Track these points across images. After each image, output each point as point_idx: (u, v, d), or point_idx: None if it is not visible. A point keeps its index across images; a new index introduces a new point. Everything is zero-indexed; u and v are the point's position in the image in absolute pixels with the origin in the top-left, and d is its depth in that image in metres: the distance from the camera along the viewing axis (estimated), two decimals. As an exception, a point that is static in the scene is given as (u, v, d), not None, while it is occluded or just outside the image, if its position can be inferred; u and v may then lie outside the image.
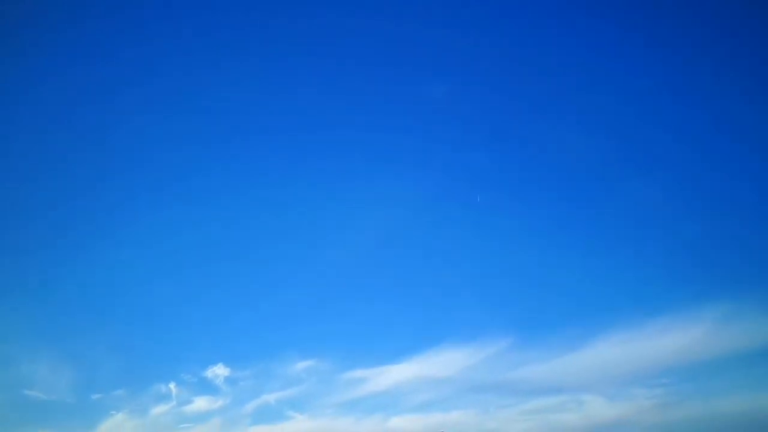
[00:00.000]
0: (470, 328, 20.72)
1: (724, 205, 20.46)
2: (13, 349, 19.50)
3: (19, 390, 19.16)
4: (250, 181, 22.89)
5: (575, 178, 21.69)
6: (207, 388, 20.42)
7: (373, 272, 21.91)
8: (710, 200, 20.72)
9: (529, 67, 22.24)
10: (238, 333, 21.25)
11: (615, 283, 20.70)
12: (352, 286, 21.72)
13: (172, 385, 20.27)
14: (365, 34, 22.77)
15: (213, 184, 22.57)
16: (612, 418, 19.47)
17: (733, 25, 21.17)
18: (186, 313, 21.08)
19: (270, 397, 20.49)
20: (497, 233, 21.81)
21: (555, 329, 20.43)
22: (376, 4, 23.20)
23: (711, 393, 18.76)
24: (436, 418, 20.11)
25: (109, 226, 21.35)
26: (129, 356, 20.20)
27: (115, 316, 20.54)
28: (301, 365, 20.91)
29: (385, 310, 21.42)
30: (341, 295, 21.57)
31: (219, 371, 20.68)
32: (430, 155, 22.62)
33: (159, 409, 19.96)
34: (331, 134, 22.89)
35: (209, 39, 23.34)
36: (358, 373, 20.74)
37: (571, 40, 22.41)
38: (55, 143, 22.92)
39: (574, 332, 20.23)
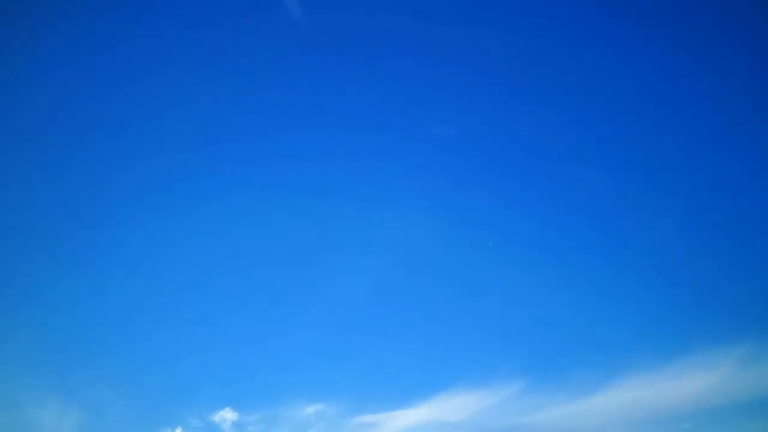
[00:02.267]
0: (482, 372, 20.28)
1: (743, 245, 20.06)
2: (18, 393, 19.31)
3: (24, 435, 19.09)
4: (256, 220, 22.82)
5: (588, 218, 21.43)
6: (214, 433, 20.23)
7: (382, 315, 21.67)
8: (729, 239, 20.31)
9: (541, 109, 22.26)
10: (245, 376, 20.93)
11: (631, 325, 20.18)
12: (360, 328, 21.47)
13: (179, 430, 19.99)
14: (375, 73, 23.03)
15: (219, 225, 22.56)
16: (631, 465, 18.94)
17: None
18: (194, 357, 20.88)
19: (278, 443, 20.20)
20: (508, 275, 21.50)
21: (569, 372, 19.92)
22: (384, 44, 23.43)
23: (733, 437, 18.34)
24: (448, 464, 19.71)
25: (114, 269, 21.38)
26: (135, 400, 19.96)
27: (122, 359, 20.41)
28: (310, 409, 20.53)
29: (394, 352, 21.06)
30: (349, 338, 21.30)
31: (227, 415, 20.35)
32: (439, 196, 22.52)
33: (165, 455, 19.79)
34: (339, 172, 22.89)
35: (210, 42, 23.48)
36: (368, 418, 20.31)
37: (580, 85, 22.45)
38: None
39: (589, 376, 19.73)
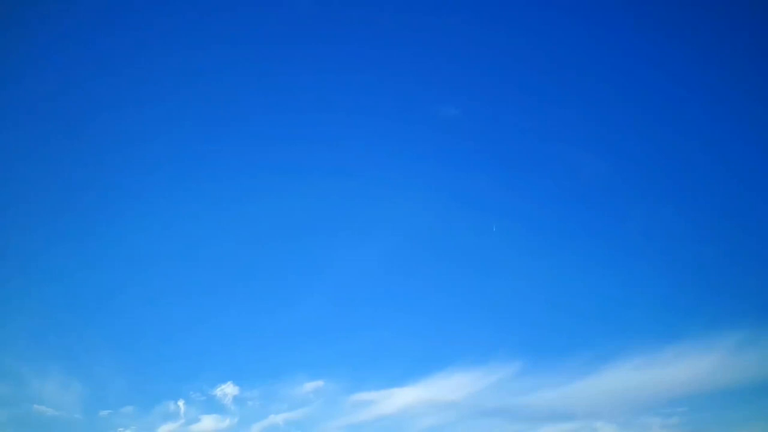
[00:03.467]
0: (479, 351, 20.46)
1: (741, 230, 20.06)
2: (22, 366, 19.57)
3: (27, 406, 19.26)
4: (260, 199, 22.87)
5: (589, 200, 21.43)
6: (215, 406, 20.40)
7: (382, 293, 21.82)
8: (727, 225, 20.33)
9: (543, 90, 22.16)
10: (247, 352, 21.21)
11: (628, 308, 20.32)
12: (360, 306, 21.64)
13: (180, 403, 20.25)
14: (379, 57, 22.96)
15: (223, 203, 22.63)
16: (625, 447, 19.12)
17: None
18: (196, 330, 21.15)
19: (277, 418, 20.34)
20: (507, 256, 21.61)
21: (566, 354, 20.07)
22: (386, 28, 23.30)
23: (727, 422, 18.25)
24: (444, 442, 19.94)
25: (117, 244, 21.55)
26: (138, 373, 20.26)
27: (125, 332, 20.68)
28: (309, 386, 20.79)
29: (393, 331, 21.27)
30: (349, 317, 21.49)
31: (228, 390, 20.65)
32: (440, 177, 22.53)
33: (167, 427, 19.92)
34: (341, 153, 22.91)
35: (216, 30, 23.42)
36: (366, 395, 20.55)
37: (583, 63, 22.30)
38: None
39: (585, 358, 19.88)
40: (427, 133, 22.64)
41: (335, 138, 22.86)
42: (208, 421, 20.33)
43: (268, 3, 23.44)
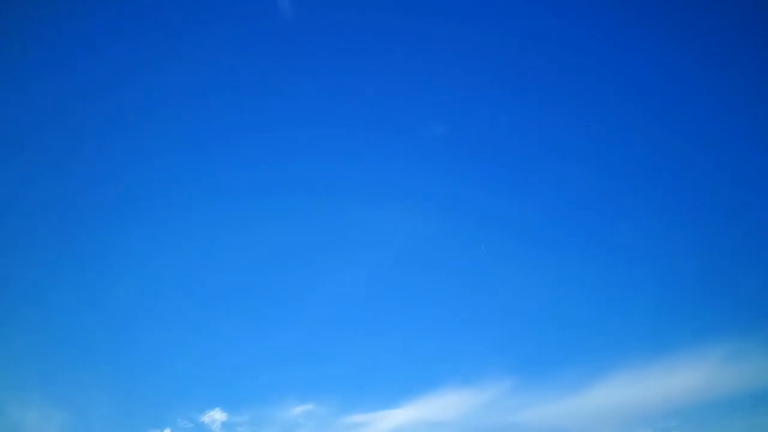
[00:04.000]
0: (470, 370, 20.34)
1: (727, 243, 20.41)
2: (2, 394, 19.03)
3: (8, 436, 18.72)
4: (245, 220, 22.67)
5: (577, 213, 21.64)
6: (203, 434, 20.00)
7: (370, 313, 21.66)
8: (713, 238, 20.66)
9: (532, 99, 22.42)
10: (235, 377, 20.75)
11: (619, 322, 20.41)
12: (349, 328, 21.42)
13: (167, 431, 19.94)
14: (366, 72, 23.06)
15: (207, 226, 22.36)
16: (619, 463, 19.07)
17: None
18: (183, 357, 20.67)
19: (267, 443, 20.04)
20: (496, 271, 21.65)
21: (557, 371, 20.06)
22: (375, 44, 23.50)
23: (720, 434, 18.56)
24: (437, 463, 19.69)
25: (101, 269, 21.11)
26: (123, 401, 19.68)
27: (109, 358, 20.14)
28: (299, 409, 20.40)
29: (383, 352, 21.05)
30: (338, 338, 21.25)
31: (216, 416, 20.13)
32: (427, 195, 22.59)
33: (153, 457, 19.52)
34: (328, 171, 22.87)
35: (205, 42, 23.36)
36: (357, 417, 20.24)
37: (572, 71, 22.63)
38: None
39: (576, 373, 19.88)
40: (414, 151, 22.78)
41: (320, 157, 22.86)
42: (196, 448, 20.03)
43: (254, 16, 23.48)
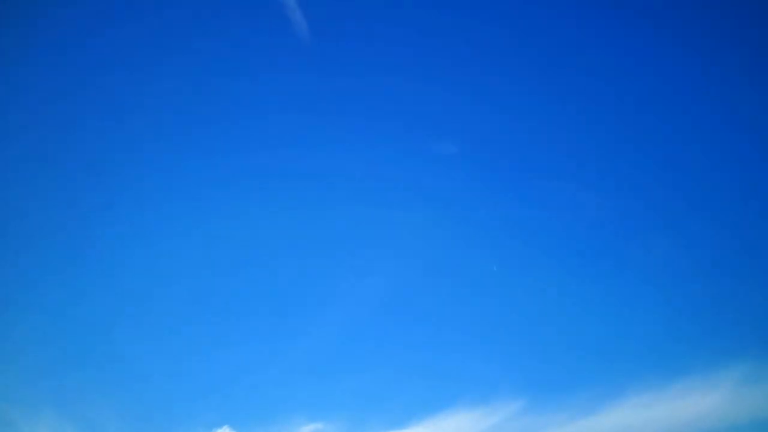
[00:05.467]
0: (482, 390, 20.12)
1: (744, 264, 20.14)
2: (12, 411, 19.00)
3: (18, 451, 18.70)
4: (254, 235, 22.63)
5: (588, 238, 21.50)
6: (212, 452, 19.87)
7: (380, 332, 21.53)
8: (730, 259, 20.41)
9: (541, 127, 22.41)
10: (243, 393, 20.63)
11: (631, 345, 20.16)
12: (358, 347, 21.29)
13: (175, 449, 19.78)
14: (374, 93, 23.13)
15: (216, 240, 22.38)
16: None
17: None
18: (191, 373, 20.65)
19: (276, 462, 19.88)
20: (508, 292, 21.50)
21: (568, 392, 19.79)
22: (383, 63, 23.59)
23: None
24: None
25: (111, 284, 21.16)
26: (133, 417, 19.69)
27: (119, 376, 20.14)
28: (308, 428, 20.23)
29: (393, 371, 20.88)
30: (348, 356, 21.11)
31: (224, 434, 20.16)
32: (438, 216, 22.50)
33: (162, 474, 19.43)
34: (340, 190, 22.86)
35: (213, 57, 23.45)
36: (367, 437, 20.15)
37: (578, 99, 22.64)
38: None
39: (588, 396, 19.61)
40: (424, 172, 22.75)
41: (326, 178, 22.87)
42: (204, 466, 19.92)
43: (267, 32, 23.62)
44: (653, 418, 19.03)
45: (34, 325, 20.24)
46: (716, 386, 18.82)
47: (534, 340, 20.70)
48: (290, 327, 21.44)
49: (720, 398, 18.69)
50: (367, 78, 23.34)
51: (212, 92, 23.31)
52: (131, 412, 19.96)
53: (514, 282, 21.51)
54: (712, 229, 20.64)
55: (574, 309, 20.80)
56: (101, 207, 21.70)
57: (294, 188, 22.35)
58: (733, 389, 18.66)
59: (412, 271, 21.73)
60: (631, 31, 22.75)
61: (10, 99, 21.75)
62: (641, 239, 20.96)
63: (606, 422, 19.40)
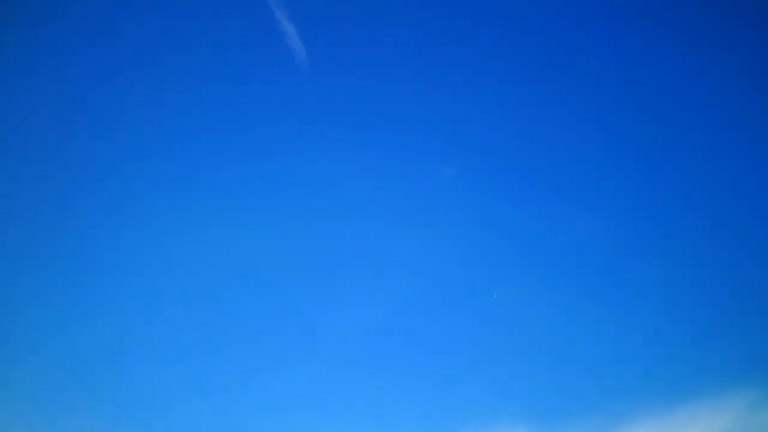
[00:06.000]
0: (482, 420, 19.53)
1: (754, 286, 19.97)
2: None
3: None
4: (249, 268, 22.11)
5: (592, 263, 21.27)
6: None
7: (374, 360, 20.91)
8: (737, 283, 20.23)
9: (541, 147, 22.36)
10: (238, 423, 19.90)
11: (637, 370, 19.70)
12: (356, 372, 20.63)
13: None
14: (370, 119, 23.06)
15: (211, 257, 21.85)
16: None
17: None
18: (186, 399, 19.86)
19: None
20: (508, 317, 21.07)
21: (573, 420, 19.27)
22: (377, 86, 23.59)
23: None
24: None
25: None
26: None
27: (117, 401, 19.33)
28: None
29: (393, 398, 20.27)
30: (346, 382, 20.40)
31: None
32: (437, 241, 22.21)
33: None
34: (337, 218, 22.54)
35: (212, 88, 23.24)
36: (364, 472, 19.32)
37: (580, 118, 22.69)
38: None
39: (593, 423, 19.11)
40: (423, 195, 22.52)
41: (326, 194, 22.51)
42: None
43: (263, 64, 23.59)
44: (661, 445, 18.59)
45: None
46: (724, 411, 18.39)
47: (535, 366, 20.21)
48: (287, 352, 20.81)
49: (728, 423, 18.28)
50: (368, 98, 23.33)
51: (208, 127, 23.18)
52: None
53: (514, 308, 21.14)
54: (721, 252, 20.54)
55: (577, 333, 20.43)
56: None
57: (292, 203, 22.02)
58: (742, 414, 18.25)
59: (407, 300, 21.31)
60: (631, 32, 22.97)
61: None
62: (647, 262, 20.78)
63: (612, 451, 18.89)
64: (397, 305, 20.99)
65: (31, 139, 21.29)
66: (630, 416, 18.95)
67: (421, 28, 23.73)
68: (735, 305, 19.88)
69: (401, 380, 20.74)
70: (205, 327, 20.80)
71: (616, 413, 19.04)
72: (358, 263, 21.55)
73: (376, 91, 23.12)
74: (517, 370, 20.39)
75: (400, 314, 21.07)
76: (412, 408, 20.16)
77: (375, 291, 21.20)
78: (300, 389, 20.36)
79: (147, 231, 21.51)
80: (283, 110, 23.24)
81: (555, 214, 21.71)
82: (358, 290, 21.33)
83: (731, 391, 18.67)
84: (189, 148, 22.67)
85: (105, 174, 21.97)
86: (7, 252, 20.33)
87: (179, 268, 21.35)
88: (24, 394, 18.77)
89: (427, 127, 22.78)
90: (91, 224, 21.22)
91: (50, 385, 19.16)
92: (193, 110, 23.03)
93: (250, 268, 21.58)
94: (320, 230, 21.64)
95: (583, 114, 22.51)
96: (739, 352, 19.37)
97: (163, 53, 23.06)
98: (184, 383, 20.10)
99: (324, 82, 23.03)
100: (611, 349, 20.15)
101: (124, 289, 20.55)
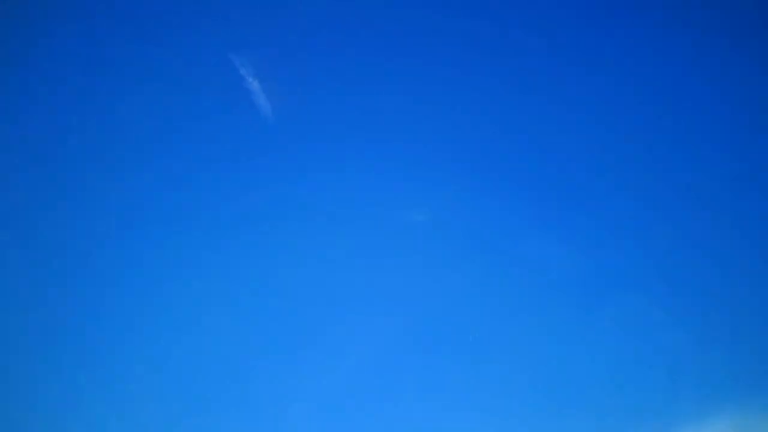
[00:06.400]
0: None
1: (735, 306, 20.30)
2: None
3: None
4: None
5: (568, 295, 21.55)
6: None
7: (376, 399, 20.94)
8: (716, 301, 20.55)
9: (516, 184, 22.58)
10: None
11: (623, 395, 20.19)
12: (356, 410, 20.62)
13: None
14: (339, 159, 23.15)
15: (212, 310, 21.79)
16: None
17: None
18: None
19: None
20: (491, 358, 21.24)
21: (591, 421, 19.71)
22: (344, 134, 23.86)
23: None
24: None
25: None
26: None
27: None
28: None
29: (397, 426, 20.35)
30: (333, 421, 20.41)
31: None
32: (412, 285, 22.35)
33: None
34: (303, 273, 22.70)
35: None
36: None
37: (553, 153, 22.98)
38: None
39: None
40: (393, 240, 22.60)
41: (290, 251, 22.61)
42: None
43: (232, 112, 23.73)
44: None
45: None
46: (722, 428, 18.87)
47: (518, 389, 20.43)
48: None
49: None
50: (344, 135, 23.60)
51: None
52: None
53: (495, 349, 21.33)
54: (699, 276, 20.93)
55: (574, 353, 20.73)
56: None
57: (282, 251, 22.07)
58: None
59: (389, 347, 21.35)
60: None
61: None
62: (625, 296, 21.14)
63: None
64: (383, 345, 21.03)
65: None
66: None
67: (387, 81, 24.20)
68: (717, 324, 20.22)
69: (402, 409, 20.71)
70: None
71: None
72: (344, 314, 21.62)
73: (340, 145, 23.35)
74: (512, 399, 20.49)
75: (389, 352, 21.07)
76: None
77: (356, 344, 21.14)
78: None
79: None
80: (247, 166, 23.46)
81: (532, 250, 21.85)
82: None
83: (712, 414, 19.00)
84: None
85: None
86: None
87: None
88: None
89: (396, 171, 23.02)
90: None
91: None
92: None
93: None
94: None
95: (559, 144, 22.83)
96: (722, 370, 19.74)
97: (119, 107, 23.28)
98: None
99: (288, 136, 23.23)
100: (591, 373, 20.39)
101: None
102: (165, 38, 24.51)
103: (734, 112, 22.78)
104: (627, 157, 22.60)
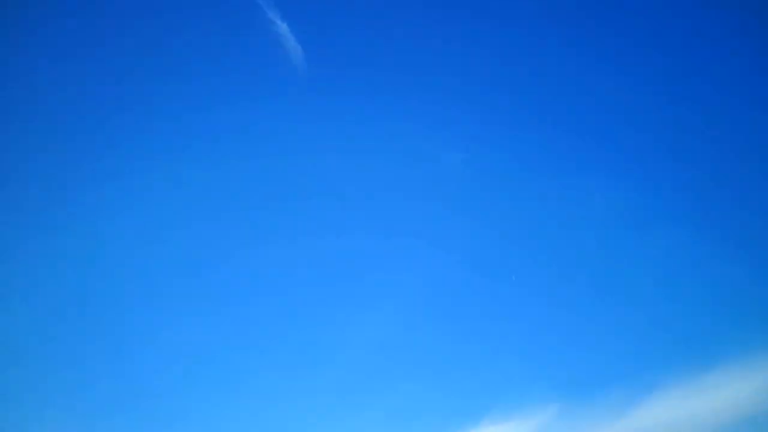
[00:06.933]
0: (513, 398, 19.62)
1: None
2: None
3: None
4: (254, 279, 21.82)
5: (606, 232, 21.35)
6: None
7: (404, 347, 20.97)
8: (758, 242, 20.29)
9: (550, 117, 22.27)
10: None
11: (662, 336, 19.95)
12: (385, 365, 20.69)
13: None
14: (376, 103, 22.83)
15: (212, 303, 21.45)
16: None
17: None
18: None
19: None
20: (530, 299, 21.20)
21: (601, 392, 19.31)
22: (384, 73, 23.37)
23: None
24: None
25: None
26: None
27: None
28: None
29: (419, 388, 20.30)
30: (375, 375, 20.50)
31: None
32: (451, 227, 22.12)
33: None
34: (345, 211, 22.36)
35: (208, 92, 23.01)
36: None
37: (592, 90, 22.50)
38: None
39: (621, 394, 19.14)
40: (432, 182, 22.45)
41: (332, 192, 22.33)
42: None
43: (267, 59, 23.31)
44: (691, 411, 18.70)
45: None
46: (752, 372, 18.50)
47: (562, 341, 20.38)
48: (307, 359, 20.65)
49: (757, 384, 18.43)
50: (366, 95, 23.15)
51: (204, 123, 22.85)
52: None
53: (535, 285, 21.24)
54: (744, 217, 20.53)
55: (600, 304, 20.63)
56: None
57: (293, 205, 21.80)
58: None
59: (427, 290, 21.19)
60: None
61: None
62: (659, 227, 20.89)
63: (642, 420, 18.99)
64: (417, 299, 20.99)
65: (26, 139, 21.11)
66: (656, 385, 18.98)
67: (416, 22, 23.61)
68: (752, 267, 20.01)
69: (427, 366, 20.80)
70: (206, 329, 20.61)
71: (642, 383, 19.06)
72: (382, 256, 21.57)
73: (374, 87, 23.01)
74: (541, 347, 20.54)
75: (421, 308, 21.07)
76: (439, 394, 20.30)
77: (397, 286, 21.19)
78: (307, 393, 20.30)
79: (150, 232, 21.36)
80: (282, 110, 23.06)
81: (569, 189, 21.71)
82: (381, 285, 21.29)
83: (757, 352, 18.69)
84: (188, 149, 22.51)
85: (105, 175, 21.77)
86: (7, 252, 20.12)
87: (187, 271, 21.18)
88: (24, 394, 18.54)
89: (434, 110, 22.69)
90: (91, 225, 21.06)
91: (49, 385, 18.96)
92: (190, 112, 22.83)
93: (256, 268, 21.39)
94: (326, 232, 21.57)
95: (596, 87, 22.48)
96: (760, 311, 19.54)
97: (158, 55, 22.85)
98: (186, 390, 19.86)
99: (321, 80, 22.86)
100: (632, 317, 20.30)
101: (135, 293, 20.41)
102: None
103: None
104: (667, 96, 22.06)
